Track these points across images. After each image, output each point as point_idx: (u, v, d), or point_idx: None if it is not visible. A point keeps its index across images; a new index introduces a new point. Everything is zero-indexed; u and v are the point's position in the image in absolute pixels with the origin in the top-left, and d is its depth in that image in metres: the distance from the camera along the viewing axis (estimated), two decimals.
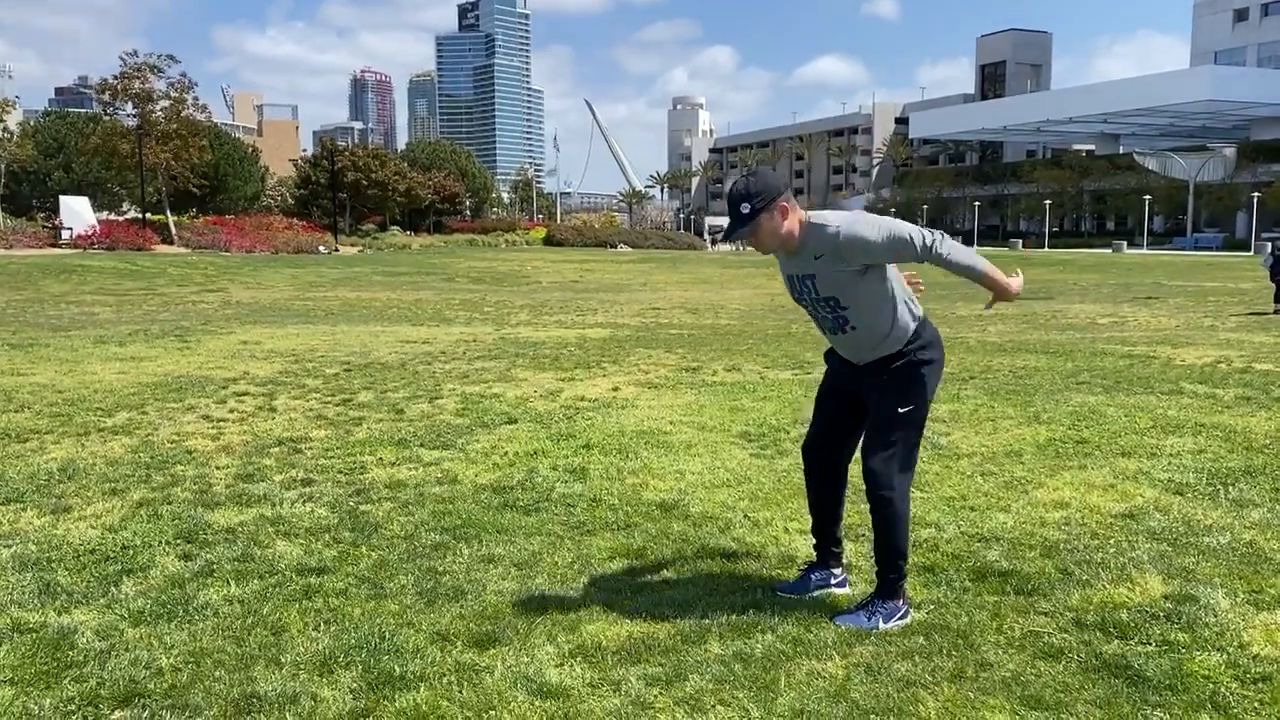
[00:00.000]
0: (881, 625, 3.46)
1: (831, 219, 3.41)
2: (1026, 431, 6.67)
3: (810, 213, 3.49)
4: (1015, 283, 3.59)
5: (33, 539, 4.48)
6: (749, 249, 3.53)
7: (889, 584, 3.57)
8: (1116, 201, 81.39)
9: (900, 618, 3.51)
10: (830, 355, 3.81)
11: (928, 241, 3.40)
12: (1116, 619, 3.49)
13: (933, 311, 19.45)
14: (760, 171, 3.54)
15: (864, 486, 3.59)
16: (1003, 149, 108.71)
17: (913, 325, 3.55)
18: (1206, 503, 4.96)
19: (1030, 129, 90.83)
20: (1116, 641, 3.33)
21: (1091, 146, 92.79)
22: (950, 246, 3.45)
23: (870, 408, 3.59)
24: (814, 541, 3.91)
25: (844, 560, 3.93)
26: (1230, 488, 5.21)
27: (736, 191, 3.42)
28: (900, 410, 3.50)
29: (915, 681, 3.06)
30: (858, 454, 3.70)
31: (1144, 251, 60.25)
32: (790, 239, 3.45)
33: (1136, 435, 6.52)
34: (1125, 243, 64.44)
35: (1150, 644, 3.30)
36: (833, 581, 3.84)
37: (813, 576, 3.84)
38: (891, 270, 3.53)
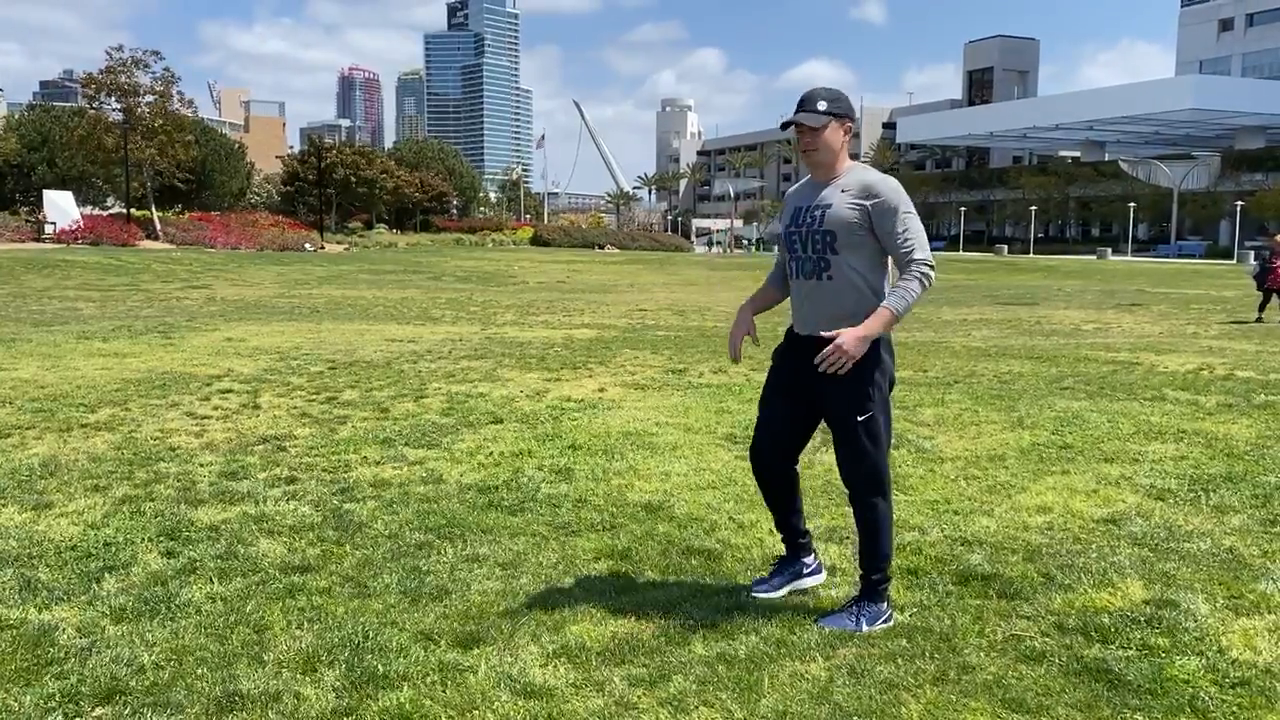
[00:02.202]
0: (865, 628, 3.48)
1: (872, 171, 3.55)
2: (1010, 436, 6.70)
3: None
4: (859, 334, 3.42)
5: (13, 535, 4.46)
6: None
7: (873, 586, 3.59)
8: (1101, 208, 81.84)
9: (884, 620, 3.53)
10: (778, 353, 3.75)
11: (918, 257, 3.40)
12: (1098, 623, 3.52)
13: (917, 315, 19.52)
14: (840, 91, 3.61)
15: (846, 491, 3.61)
16: (989, 155, 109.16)
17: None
18: (1187, 508, 5.00)
19: (1017, 135, 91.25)
20: (1097, 645, 3.35)
21: (1077, 153, 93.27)
22: (922, 285, 3.41)
23: (829, 418, 3.57)
24: (781, 536, 3.92)
25: (813, 546, 3.94)
26: (1211, 494, 5.25)
27: (818, 92, 3.55)
28: (859, 419, 3.48)
29: (898, 684, 3.07)
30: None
31: (1128, 258, 60.62)
32: (835, 161, 3.54)
33: (1119, 441, 6.57)
34: (1110, 249, 64.84)
35: (1131, 648, 3.33)
36: (805, 571, 3.86)
37: (786, 571, 3.86)
38: (890, 264, 3.54)
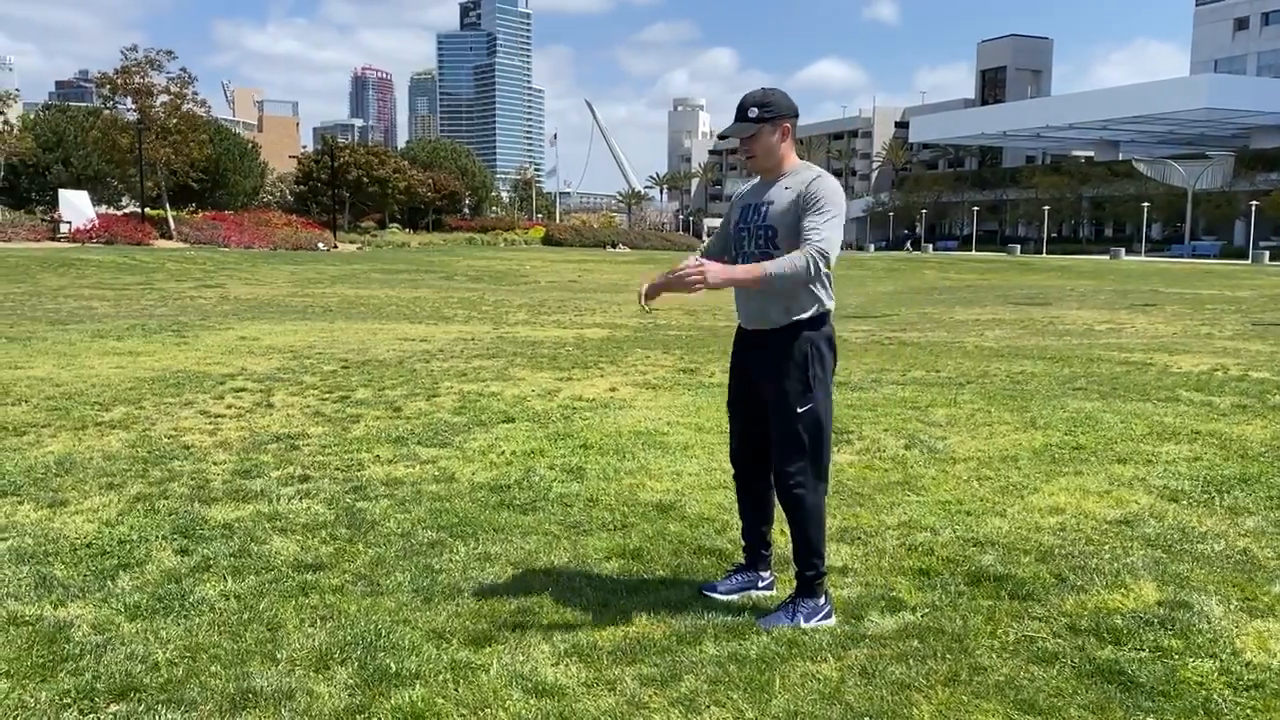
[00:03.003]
0: (804, 624, 3.48)
1: (818, 170, 3.52)
2: (1022, 437, 6.68)
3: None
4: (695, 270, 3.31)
5: (29, 533, 4.49)
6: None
7: (807, 582, 3.58)
8: (1115, 208, 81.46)
9: (823, 617, 3.53)
10: (733, 354, 3.79)
11: (816, 240, 3.34)
12: (1110, 624, 3.50)
13: (929, 315, 19.45)
14: (777, 89, 3.58)
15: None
16: (1002, 154, 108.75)
17: (814, 307, 3.51)
18: (1201, 510, 4.98)
19: (1030, 135, 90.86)
20: (1110, 647, 3.34)
21: (1091, 153, 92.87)
22: (809, 265, 3.33)
23: (769, 409, 3.56)
24: (744, 544, 3.92)
25: (771, 564, 3.92)
26: (1225, 495, 5.23)
27: (752, 97, 3.51)
28: (799, 410, 3.49)
29: (909, 684, 3.07)
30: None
31: (1142, 259, 60.30)
32: (778, 163, 3.54)
33: (1132, 442, 6.54)
34: (1123, 249, 64.49)
35: (1144, 650, 3.31)
36: (760, 584, 3.85)
37: (737, 578, 3.86)
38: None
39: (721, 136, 3.59)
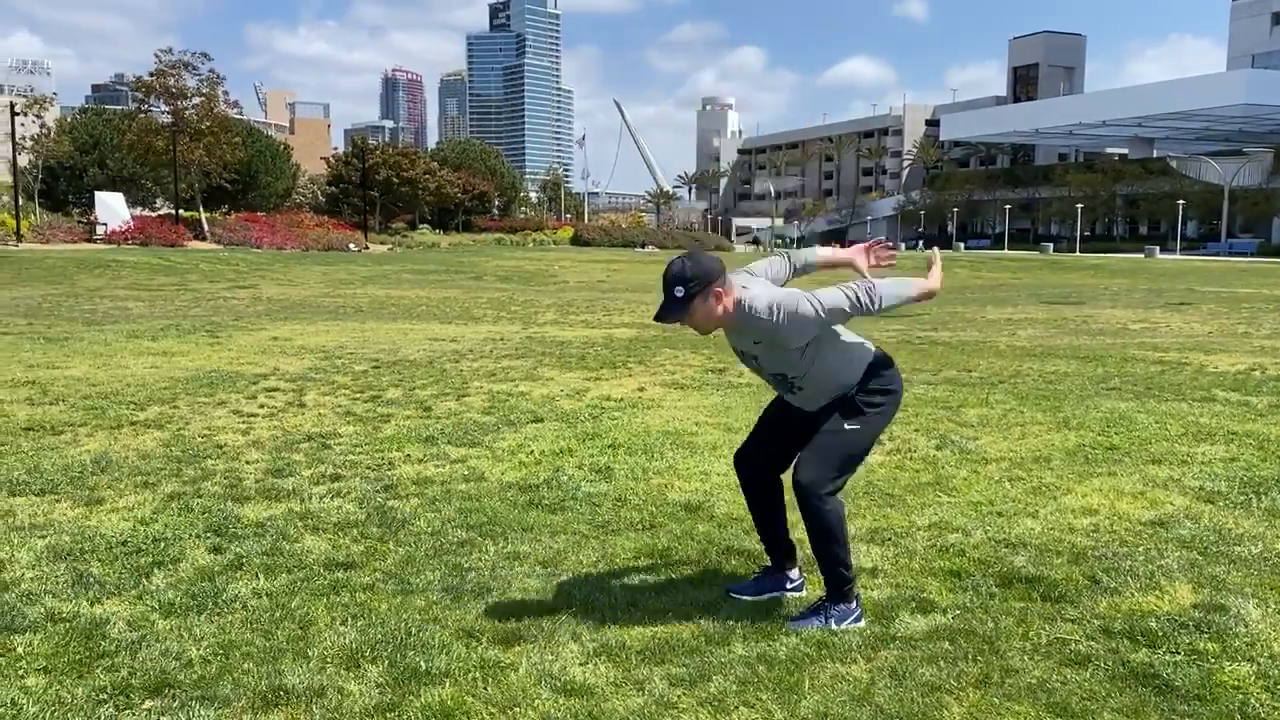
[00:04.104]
0: (835, 626, 3.47)
1: (762, 308, 3.37)
2: (1055, 437, 6.62)
3: (742, 294, 3.42)
4: (934, 277, 3.61)
5: (67, 530, 4.55)
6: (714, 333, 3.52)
7: (835, 588, 3.56)
8: (1149, 206, 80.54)
9: (854, 620, 3.51)
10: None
11: (863, 301, 3.39)
12: (1145, 627, 3.46)
13: (961, 314, 19.29)
14: (696, 256, 3.47)
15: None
16: (1034, 152, 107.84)
17: (862, 369, 3.53)
18: (1238, 512, 4.90)
19: (1062, 132, 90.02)
20: (1144, 650, 3.30)
21: (1125, 150, 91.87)
22: (882, 294, 3.43)
23: (818, 421, 3.57)
24: (765, 547, 3.90)
25: (799, 560, 3.90)
26: (1263, 497, 5.15)
27: (672, 274, 3.37)
28: (846, 426, 3.49)
29: (940, 686, 3.05)
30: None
31: (1177, 257, 59.56)
32: (727, 319, 3.44)
33: (1167, 442, 6.46)
34: (1158, 248, 63.74)
35: (1179, 653, 3.27)
36: (789, 585, 3.83)
37: (765, 581, 3.84)
38: (840, 330, 3.55)
39: (656, 319, 3.51)
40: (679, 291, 3.37)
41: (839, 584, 3.55)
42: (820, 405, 3.57)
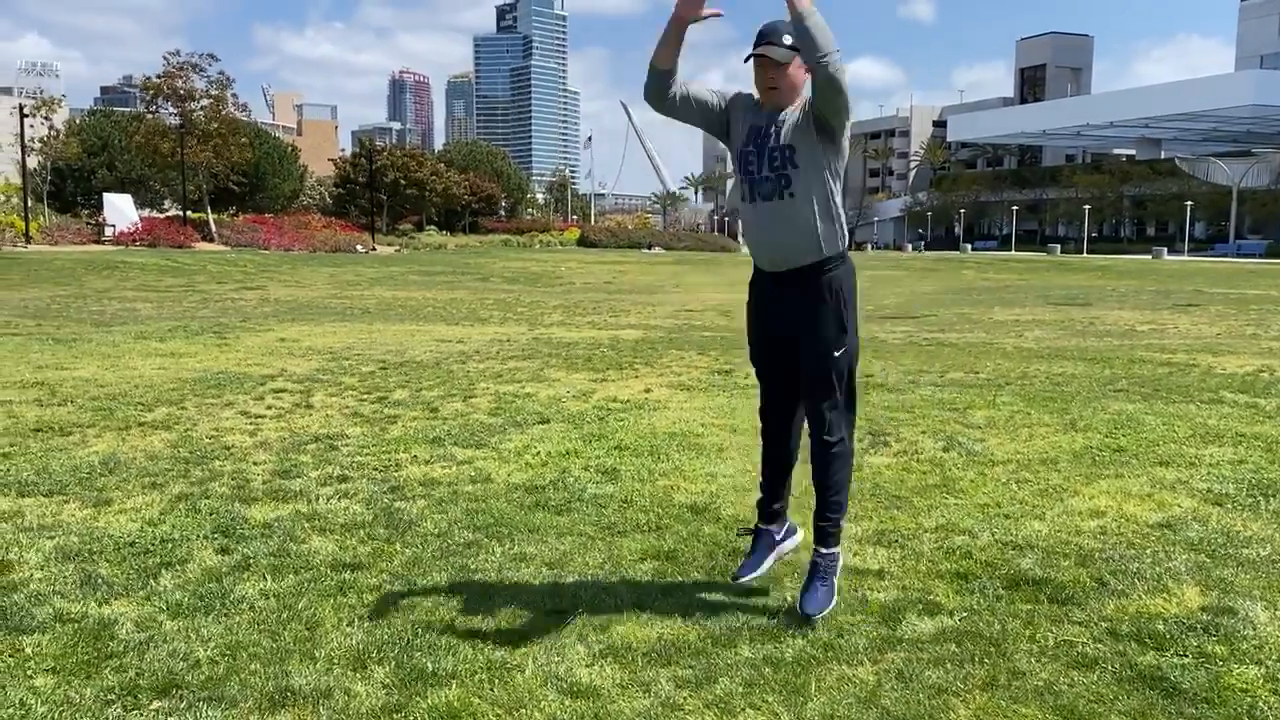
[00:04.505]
0: (834, 582, 3.62)
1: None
2: (1062, 439, 6.60)
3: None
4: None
5: (75, 531, 4.57)
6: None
7: (833, 531, 3.67)
8: (1157, 207, 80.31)
9: (839, 562, 3.70)
10: (753, 308, 3.75)
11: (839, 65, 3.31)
12: (1152, 630, 3.45)
13: (968, 316, 19.25)
14: None
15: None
16: (1042, 153, 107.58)
17: (839, 243, 3.55)
18: (1246, 514, 4.89)
19: (1070, 133, 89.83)
20: (1152, 652, 3.29)
21: (1132, 151, 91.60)
22: (836, 59, 3.32)
23: (803, 355, 3.56)
24: (764, 505, 3.91)
25: (785, 514, 3.95)
26: (1271, 499, 5.13)
27: (783, 25, 3.37)
28: (835, 354, 3.52)
29: (947, 689, 3.04)
30: None
31: (1184, 258, 59.38)
32: (793, 101, 3.48)
33: (1175, 444, 6.44)
34: (1165, 249, 63.56)
35: (1186, 656, 3.26)
36: (778, 538, 3.88)
37: (761, 546, 3.85)
38: (839, 187, 3.55)
39: (754, 55, 3.40)
40: (788, 40, 3.37)
41: (832, 524, 3.68)
42: (793, 261, 3.50)
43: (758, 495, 3.98)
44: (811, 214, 3.48)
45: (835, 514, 3.66)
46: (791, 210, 3.48)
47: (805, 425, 3.78)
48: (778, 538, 3.89)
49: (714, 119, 3.67)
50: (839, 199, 3.58)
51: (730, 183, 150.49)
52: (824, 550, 3.67)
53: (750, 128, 3.57)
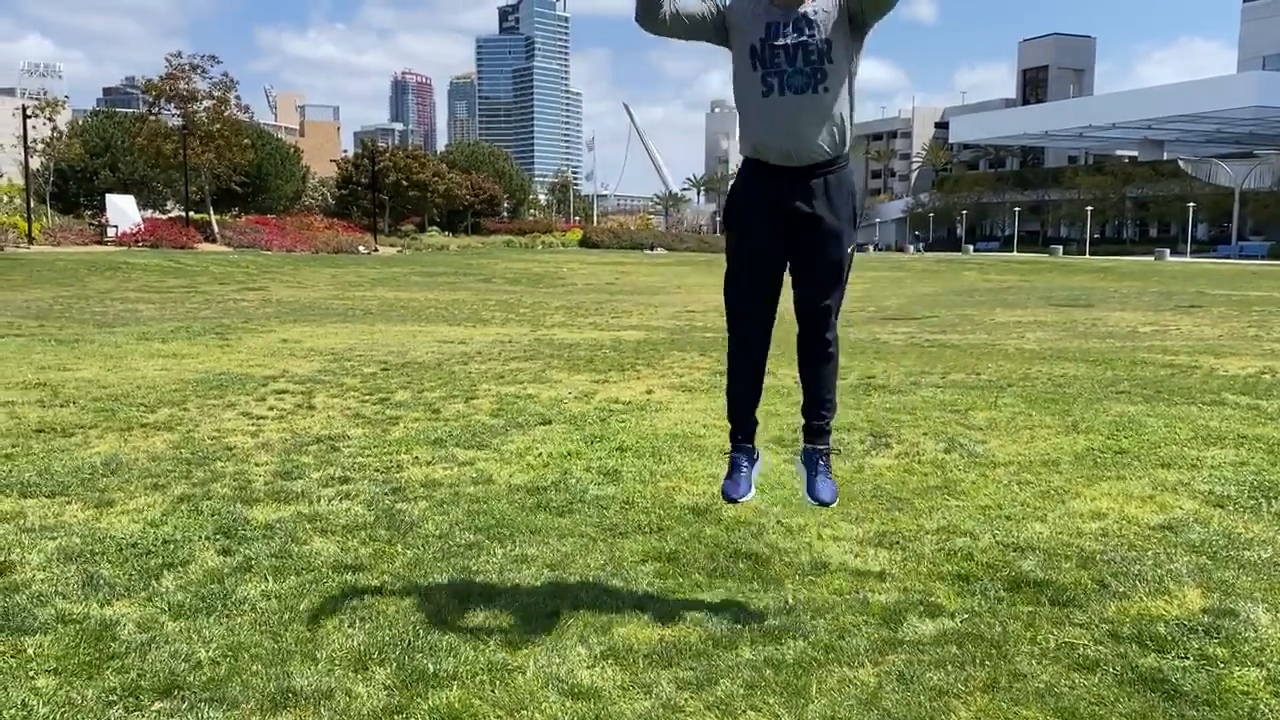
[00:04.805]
0: (831, 483, 3.76)
1: None
2: (1064, 440, 6.60)
3: None
4: None
5: (77, 532, 4.57)
6: None
7: (828, 428, 3.80)
8: (1159, 208, 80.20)
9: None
10: (763, 206, 3.62)
11: None
12: (1153, 632, 3.45)
13: (970, 317, 19.28)
14: None
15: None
16: (1044, 154, 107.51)
17: (849, 143, 3.58)
18: (1248, 516, 4.89)
19: (1072, 134, 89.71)
20: (1153, 654, 3.29)
21: (1134, 152, 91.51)
22: None
23: (818, 247, 3.53)
24: (740, 429, 3.89)
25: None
26: (1273, 501, 5.13)
27: None
28: (849, 250, 3.60)
29: (948, 691, 3.04)
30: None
31: (1187, 259, 59.30)
32: None
33: (1176, 446, 6.43)
34: (1168, 250, 63.45)
35: (1188, 658, 3.26)
36: (758, 460, 3.93)
37: (747, 469, 3.85)
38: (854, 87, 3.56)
39: None
40: None
41: (825, 421, 3.79)
42: (814, 155, 3.45)
43: (739, 417, 3.90)
44: (839, 109, 3.47)
45: (829, 412, 3.81)
46: (823, 104, 3.43)
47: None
48: (755, 456, 3.91)
49: (709, 26, 3.55)
50: (854, 100, 3.58)
51: (732, 183, 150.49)
52: (820, 445, 3.80)
53: (767, 24, 3.44)
